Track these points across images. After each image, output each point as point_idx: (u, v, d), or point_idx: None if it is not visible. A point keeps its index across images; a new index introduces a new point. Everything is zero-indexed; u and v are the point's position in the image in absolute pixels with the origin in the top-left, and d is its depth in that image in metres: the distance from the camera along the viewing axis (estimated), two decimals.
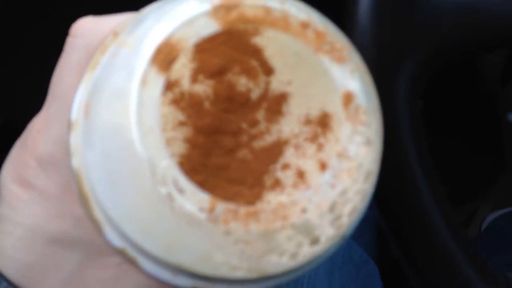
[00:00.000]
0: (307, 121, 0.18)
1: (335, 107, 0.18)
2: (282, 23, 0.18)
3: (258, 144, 0.18)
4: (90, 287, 0.21)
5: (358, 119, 0.18)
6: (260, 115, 0.18)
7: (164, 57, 0.17)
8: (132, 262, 0.18)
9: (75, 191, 0.19)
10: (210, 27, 0.18)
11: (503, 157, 0.79)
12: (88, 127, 0.18)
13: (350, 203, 0.18)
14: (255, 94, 0.18)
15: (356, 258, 0.46)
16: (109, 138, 0.17)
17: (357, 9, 0.30)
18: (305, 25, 0.18)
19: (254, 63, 0.18)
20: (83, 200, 0.18)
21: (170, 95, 0.17)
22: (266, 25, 0.18)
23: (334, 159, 0.18)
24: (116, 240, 0.18)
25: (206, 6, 0.18)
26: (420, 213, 0.30)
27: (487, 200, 0.78)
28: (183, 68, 0.17)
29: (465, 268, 0.30)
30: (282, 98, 0.18)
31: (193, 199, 0.17)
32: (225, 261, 0.17)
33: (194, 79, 0.17)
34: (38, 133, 0.21)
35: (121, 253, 0.18)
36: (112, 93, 0.17)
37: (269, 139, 0.18)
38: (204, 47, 0.18)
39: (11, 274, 0.21)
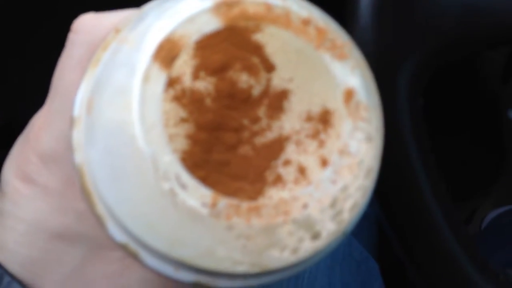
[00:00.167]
0: (308, 118, 0.18)
1: (336, 104, 0.18)
2: (283, 20, 0.18)
3: (260, 140, 0.18)
4: (92, 282, 0.21)
5: (359, 115, 0.18)
6: (262, 111, 0.18)
7: (166, 53, 0.18)
8: (134, 256, 0.18)
9: (78, 186, 0.19)
10: (212, 23, 0.18)
11: (504, 154, 0.79)
12: (90, 123, 0.18)
13: (351, 199, 0.18)
14: (256, 91, 0.18)
15: (356, 255, 0.46)
16: (112, 134, 0.17)
17: (358, 6, 0.30)
18: (306, 22, 0.19)
19: (255, 60, 0.18)
20: (85, 195, 0.18)
21: (172, 92, 0.17)
22: (268, 22, 0.18)
23: (335, 155, 0.18)
24: (118, 235, 0.18)
25: (208, 3, 0.18)
26: (421, 209, 0.30)
27: (488, 198, 0.78)
28: (184, 65, 0.18)
29: (465, 264, 0.30)
30: (283, 95, 0.18)
31: (196, 195, 0.17)
32: (228, 256, 0.17)
33: (195, 76, 0.18)
34: (40, 128, 0.21)
35: (123, 247, 0.18)
36: (115, 89, 0.17)
37: (270, 135, 0.18)
38: (205, 44, 0.18)
39: (14, 268, 0.21)
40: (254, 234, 0.17)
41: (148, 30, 0.18)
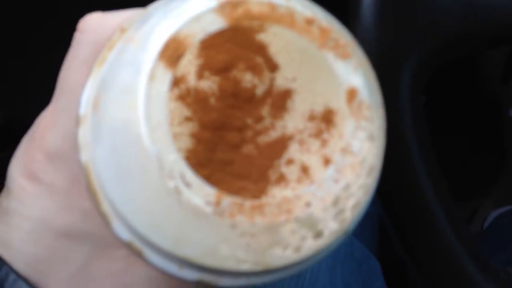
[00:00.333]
0: (311, 117, 0.18)
1: (339, 103, 0.18)
2: (287, 19, 0.18)
3: (263, 139, 0.18)
4: (97, 280, 0.21)
5: (361, 114, 0.18)
6: (265, 111, 0.18)
7: (172, 53, 0.18)
8: (138, 254, 0.18)
9: (83, 185, 0.19)
10: (216, 23, 0.18)
11: (504, 154, 0.79)
12: (96, 122, 0.18)
13: (353, 198, 0.18)
14: (260, 90, 0.18)
15: (358, 255, 0.46)
16: (118, 133, 0.17)
17: (361, 5, 0.30)
18: (309, 22, 0.19)
19: (259, 59, 0.18)
20: (91, 194, 0.18)
21: (176, 91, 0.17)
22: (271, 22, 0.18)
23: (337, 155, 0.18)
24: (123, 233, 0.18)
25: (213, 3, 0.18)
26: (422, 208, 0.30)
27: (489, 197, 0.78)
28: (189, 64, 0.18)
29: (467, 264, 0.30)
30: (286, 94, 0.18)
31: (200, 193, 0.17)
32: (231, 254, 0.17)
33: (200, 76, 0.18)
34: (46, 127, 0.21)
35: (128, 246, 0.18)
36: (120, 88, 0.18)
37: (273, 134, 0.18)
38: (210, 44, 0.18)
39: (20, 266, 0.21)
40: (257, 233, 0.17)
41: (153, 29, 0.18)
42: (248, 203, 0.17)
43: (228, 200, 0.17)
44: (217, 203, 0.17)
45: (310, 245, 0.18)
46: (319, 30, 0.19)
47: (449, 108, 0.76)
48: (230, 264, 0.17)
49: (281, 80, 0.18)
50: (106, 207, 0.18)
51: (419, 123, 0.30)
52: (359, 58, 0.19)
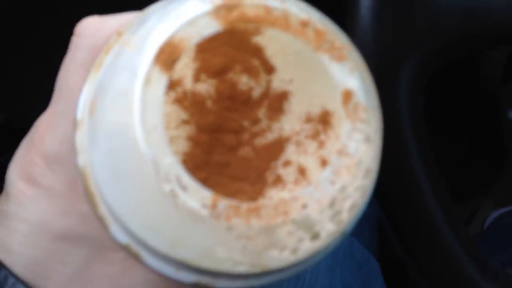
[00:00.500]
0: (308, 119, 0.18)
1: (335, 105, 0.18)
2: (282, 22, 0.18)
3: (260, 141, 0.18)
4: (95, 282, 0.21)
5: (357, 116, 0.18)
6: (262, 113, 0.18)
7: (167, 56, 0.18)
8: (136, 257, 0.18)
9: (81, 188, 0.19)
10: (212, 26, 0.18)
11: (504, 155, 0.79)
12: (93, 126, 0.18)
13: (349, 199, 0.18)
14: (256, 93, 0.18)
15: (357, 256, 0.46)
16: (114, 137, 0.17)
17: (359, 7, 0.30)
18: (305, 24, 0.19)
19: (255, 62, 0.18)
20: (88, 197, 0.18)
21: (173, 95, 0.17)
22: (267, 25, 0.18)
23: (334, 156, 0.18)
24: (120, 236, 0.18)
25: (208, 6, 0.18)
26: (421, 209, 0.30)
27: (490, 198, 0.78)
28: (185, 67, 0.18)
29: (466, 264, 0.30)
30: (283, 96, 0.18)
31: (196, 196, 0.17)
32: (228, 256, 0.17)
33: (196, 79, 0.18)
34: (44, 131, 0.21)
35: (125, 248, 0.18)
36: (116, 92, 0.18)
37: (270, 136, 0.18)
38: (206, 47, 0.18)
39: (18, 269, 0.21)
40: (254, 235, 0.17)
41: (149, 33, 0.18)
42: (245, 206, 0.17)
43: (224, 203, 0.17)
44: (213, 206, 0.17)
45: (307, 247, 0.18)
46: (314, 32, 0.19)
47: (449, 108, 0.76)
48: (226, 266, 0.17)
49: (278, 82, 0.18)
50: (103, 210, 0.18)
51: (418, 123, 0.30)
52: (355, 60, 0.19)
